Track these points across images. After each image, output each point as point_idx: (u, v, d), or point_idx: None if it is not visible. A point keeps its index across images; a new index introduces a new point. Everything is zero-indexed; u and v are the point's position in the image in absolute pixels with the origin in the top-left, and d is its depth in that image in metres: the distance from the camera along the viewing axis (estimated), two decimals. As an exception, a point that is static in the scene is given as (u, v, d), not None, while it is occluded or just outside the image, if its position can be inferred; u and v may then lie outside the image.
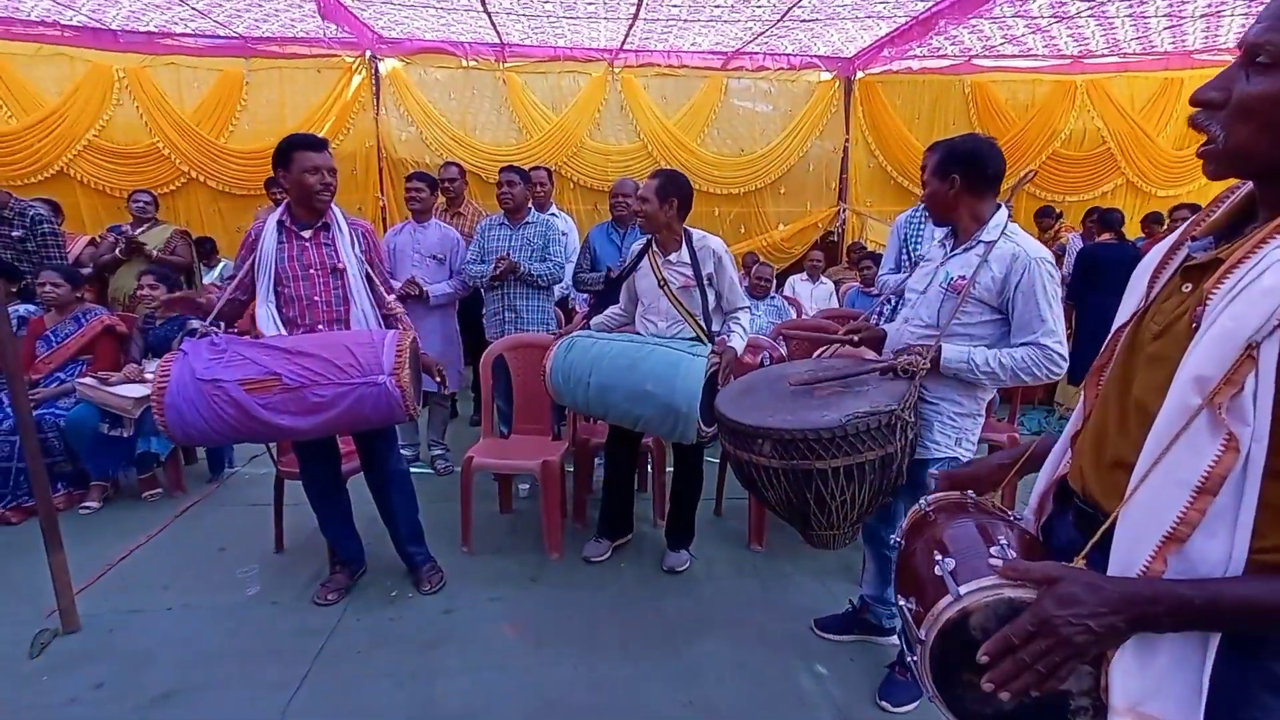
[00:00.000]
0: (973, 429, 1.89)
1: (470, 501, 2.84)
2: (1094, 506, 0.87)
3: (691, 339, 2.53)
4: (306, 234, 2.29)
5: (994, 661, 0.75)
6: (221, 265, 5.55)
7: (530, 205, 3.61)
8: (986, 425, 3.35)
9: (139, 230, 4.09)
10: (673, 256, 2.58)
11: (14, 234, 3.69)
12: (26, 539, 2.82)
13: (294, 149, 2.22)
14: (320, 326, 2.29)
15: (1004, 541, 0.89)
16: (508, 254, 3.35)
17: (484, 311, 3.65)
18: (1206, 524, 0.71)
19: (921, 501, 1.09)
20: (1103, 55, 6.15)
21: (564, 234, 3.85)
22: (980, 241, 1.77)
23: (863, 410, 1.59)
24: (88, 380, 3.14)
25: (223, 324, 2.28)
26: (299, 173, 2.20)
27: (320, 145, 2.26)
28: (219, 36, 5.75)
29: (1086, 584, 0.74)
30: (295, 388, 2.02)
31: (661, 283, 2.57)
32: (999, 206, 1.81)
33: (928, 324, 1.85)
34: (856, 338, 1.99)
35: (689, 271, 2.55)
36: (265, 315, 2.24)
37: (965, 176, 1.79)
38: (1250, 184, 0.78)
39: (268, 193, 5.07)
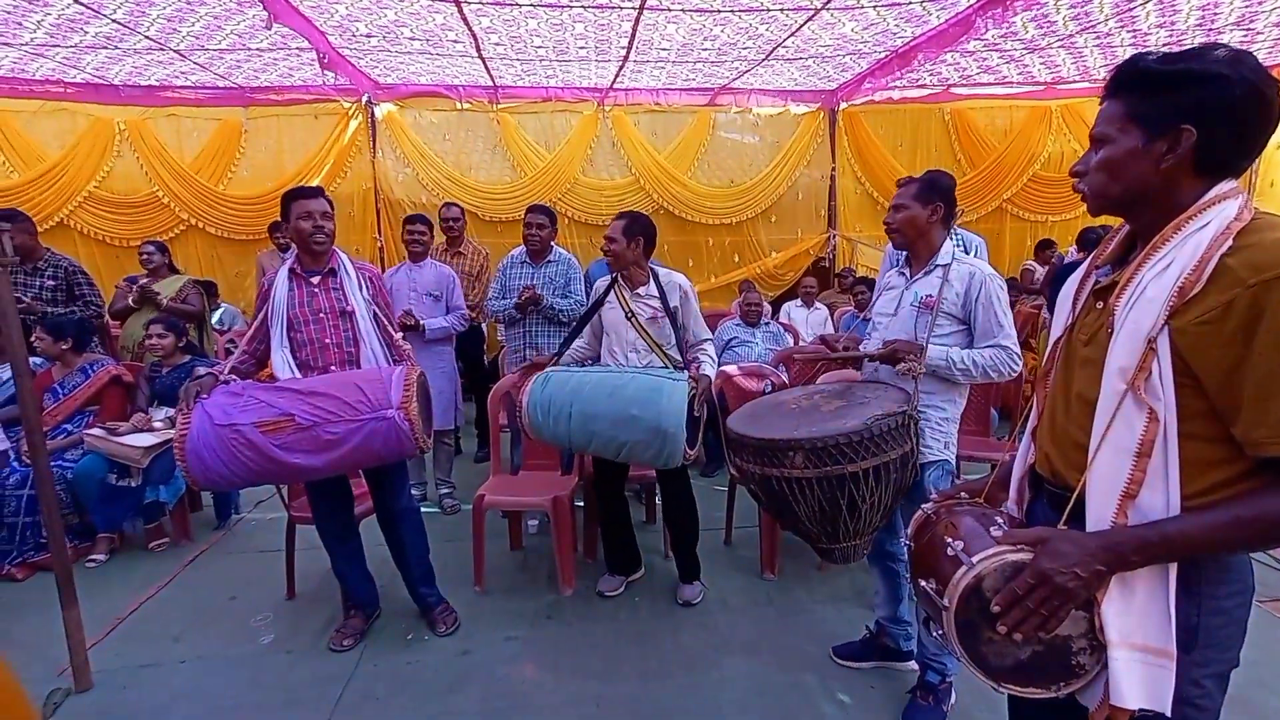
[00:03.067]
0: (954, 432, 2.05)
1: (483, 540, 2.84)
2: (1061, 483, 1.07)
3: (662, 368, 2.59)
4: (315, 280, 2.36)
5: (1005, 611, 0.94)
6: (221, 310, 5.59)
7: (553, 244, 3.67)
8: (988, 445, 3.43)
9: (148, 281, 4.13)
10: (640, 290, 2.68)
11: (46, 283, 3.72)
12: (33, 595, 2.80)
13: (290, 200, 2.35)
14: (333, 367, 2.33)
15: (1000, 521, 1.10)
16: (533, 285, 3.42)
17: (506, 349, 3.71)
18: (1149, 481, 0.92)
19: (925, 506, 1.25)
20: (1075, 81, 6.38)
21: (577, 270, 3.92)
22: (937, 265, 2.00)
23: (880, 413, 1.71)
24: (95, 431, 3.14)
25: (235, 377, 2.30)
26: (295, 220, 2.33)
27: (313, 193, 2.37)
28: (218, 87, 5.88)
29: (1071, 539, 0.94)
30: (308, 426, 2.05)
31: (629, 314, 2.64)
32: (946, 236, 2.05)
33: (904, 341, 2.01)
34: (850, 352, 2.15)
35: (657, 304, 2.64)
36: (280, 360, 2.30)
37: (945, 207, 2.01)
38: (1126, 226, 1.07)
39: (270, 236, 5.14)
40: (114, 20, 4.01)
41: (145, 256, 4.22)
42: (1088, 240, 5.08)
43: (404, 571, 2.59)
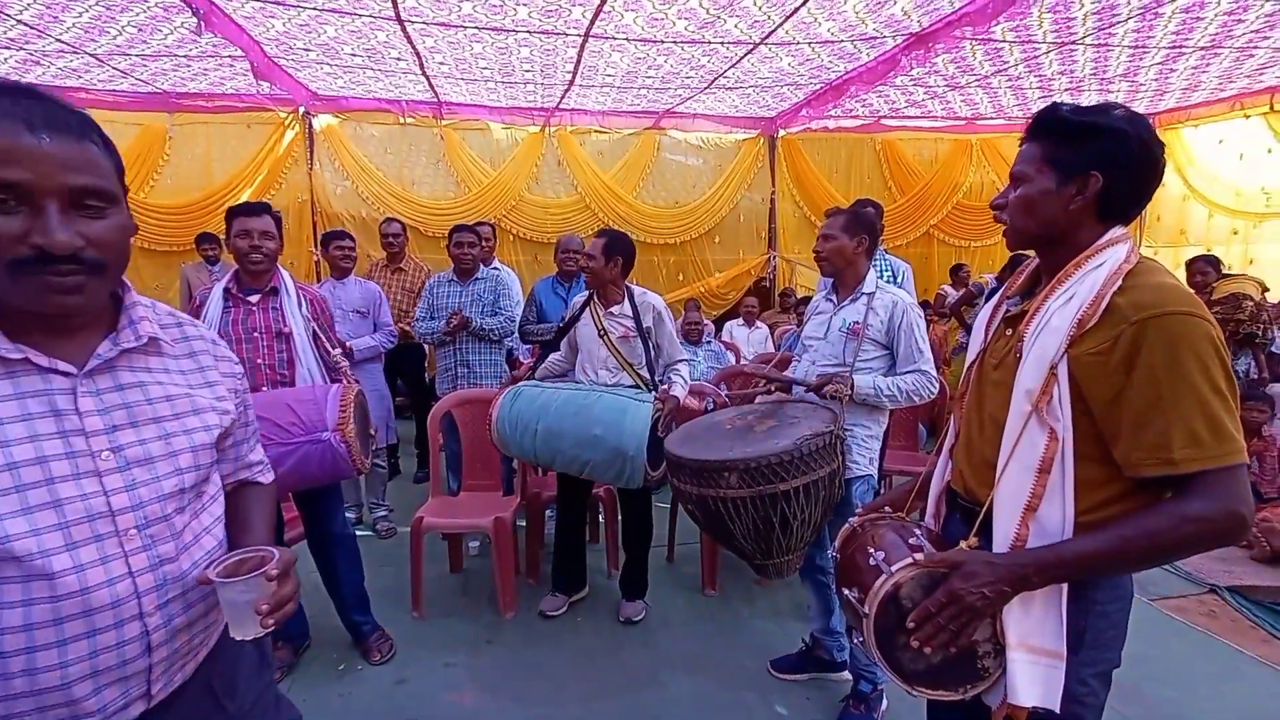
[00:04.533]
0: (877, 449, 2.18)
1: (421, 564, 2.77)
2: (973, 499, 1.15)
3: (631, 387, 2.63)
4: (253, 299, 2.29)
5: (919, 627, 1.01)
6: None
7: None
8: (917, 459, 3.61)
9: None
10: (614, 309, 2.71)
11: None
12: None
13: (232, 217, 2.30)
14: (264, 388, 2.25)
15: (919, 533, 1.17)
16: (459, 310, 3.39)
17: (437, 368, 3.64)
18: (1048, 495, 1.01)
19: (851, 520, 1.32)
20: (992, 118, 6.89)
21: (508, 286, 3.91)
22: (862, 293, 2.15)
23: (809, 433, 1.78)
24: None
25: None
26: (233, 238, 2.28)
27: (256, 210, 2.33)
28: (140, 92, 5.58)
29: (983, 562, 1.01)
30: None
31: (601, 332, 2.68)
32: (870, 266, 2.20)
33: (833, 363, 2.12)
34: (773, 387, 2.23)
35: (630, 323, 2.68)
36: None
37: (869, 239, 2.16)
38: (1035, 260, 1.16)
39: (197, 248, 4.90)
40: (20, 22, 3.76)
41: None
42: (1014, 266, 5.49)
43: (336, 598, 2.49)
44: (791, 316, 5.97)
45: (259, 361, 2.26)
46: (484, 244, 4.03)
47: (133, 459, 0.82)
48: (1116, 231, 1.06)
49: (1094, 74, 5.10)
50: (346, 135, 6.26)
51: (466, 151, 6.48)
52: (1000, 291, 1.24)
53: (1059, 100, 1.12)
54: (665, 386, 2.69)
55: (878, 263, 2.94)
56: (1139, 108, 6.22)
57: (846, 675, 2.30)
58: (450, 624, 2.73)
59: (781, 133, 6.98)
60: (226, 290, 2.29)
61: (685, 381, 2.75)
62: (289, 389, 2.25)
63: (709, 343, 4.88)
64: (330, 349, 2.42)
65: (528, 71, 4.94)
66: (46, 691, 0.75)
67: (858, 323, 2.10)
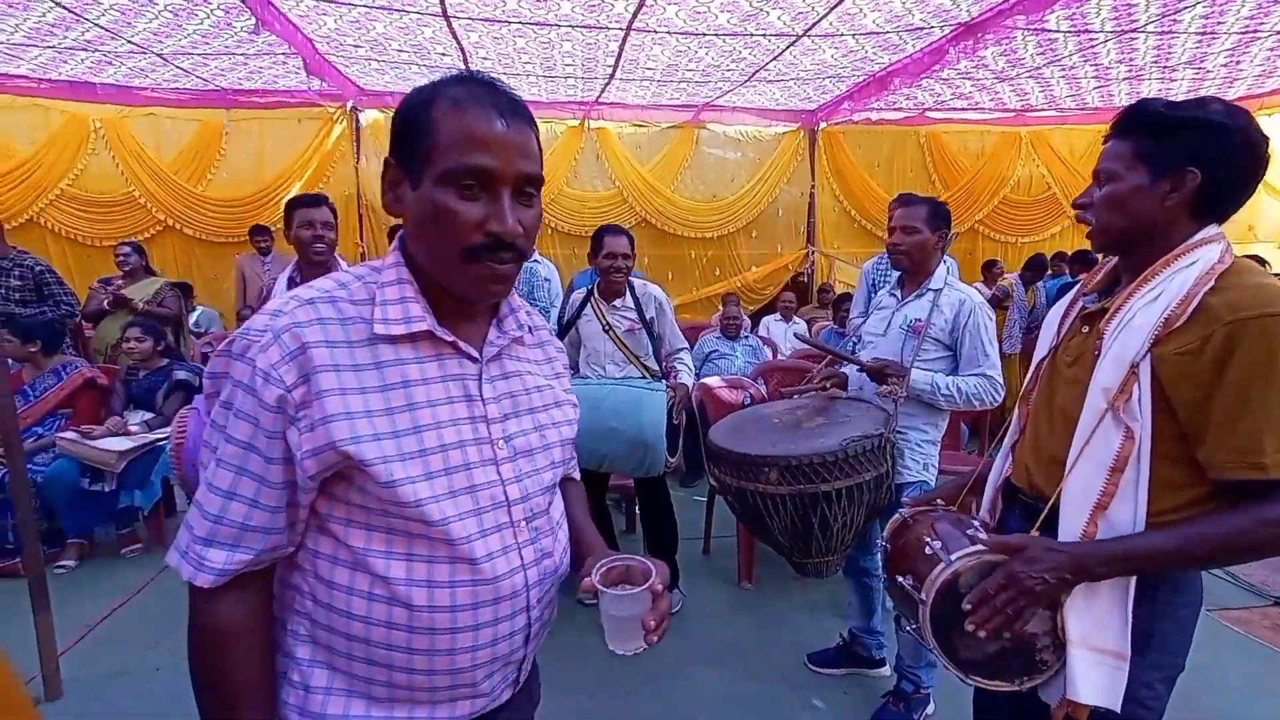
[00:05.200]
0: (935, 454, 2.07)
1: (463, 548, 2.85)
2: (1037, 494, 1.13)
3: (640, 378, 2.64)
4: None
5: (975, 609, 1.00)
6: (199, 312, 5.51)
7: None
8: (959, 458, 3.55)
9: (123, 283, 4.09)
10: (617, 302, 2.72)
11: (12, 283, 3.64)
12: None
13: (293, 208, 2.39)
14: None
15: (976, 524, 1.15)
16: None
17: None
18: (1120, 493, 0.99)
19: (902, 511, 1.30)
20: (1043, 109, 6.65)
21: (546, 280, 3.96)
22: (929, 290, 2.04)
23: (857, 434, 1.73)
24: (69, 435, 3.08)
25: None
26: (296, 228, 2.36)
27: (315, 201, 2.42)
28: (200, 90, 5.82)
29: (1046, 548, 0.99)
30: None
31: (606, 327, 2.69)
32: (940, 262, 2.09)
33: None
34: (828, 385, 2.15)
35: (634, 315, 2.69)
36: None
37: (947, 232, 2.07)
38: (1115, 258, 1.15)
39: (251, 241, 5.10)
40: (97, 25, 3.98)
41: (122, 258, 4.17)
42: (1079, 259, 5.47)
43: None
44: (829, 312, 5.89)
45: None
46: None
47: (519, 449, 0.80)
48: (1210, 230, 1.02)
49: (1155, 62, 4.88)
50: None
51: (507, 145, 6.57)
52: (1075, 290, 1.22)
53: (1147, 96, 1.06)
54: (673, 375, 2.71)
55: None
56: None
57: (884, 672, 2.29)
58: (491, 607, 2.80)
59: (822, 125, 6.87)
60: (291, 280, 2.39)
61: (691, 369, 2.76)
62: None
63: (746, 337, 4.86)
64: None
65: (569, 65, 4.98)
66: (459, 671, 0.75)
67: (920, 320, 2.00)
